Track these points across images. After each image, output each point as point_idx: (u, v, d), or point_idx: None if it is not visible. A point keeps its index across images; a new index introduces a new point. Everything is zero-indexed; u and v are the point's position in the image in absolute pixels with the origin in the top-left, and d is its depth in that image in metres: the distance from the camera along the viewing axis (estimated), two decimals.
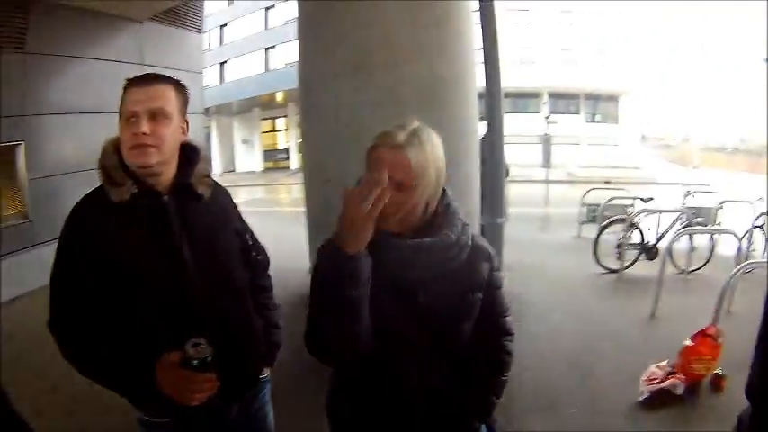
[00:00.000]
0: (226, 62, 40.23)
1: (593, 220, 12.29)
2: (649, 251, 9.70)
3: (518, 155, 23.92)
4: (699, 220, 9.96)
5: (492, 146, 7.08)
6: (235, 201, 2.49)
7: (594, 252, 9.47)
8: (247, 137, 42.11)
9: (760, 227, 9.76)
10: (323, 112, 5.19)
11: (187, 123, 2.20)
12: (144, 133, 2.01)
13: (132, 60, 10.11)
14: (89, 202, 2.10)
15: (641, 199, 10.74)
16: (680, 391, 4.82)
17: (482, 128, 6.82)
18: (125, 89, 2.08)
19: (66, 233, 2.06)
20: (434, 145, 1.87)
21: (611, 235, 9.81)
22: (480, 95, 6.13)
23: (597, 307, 7.60)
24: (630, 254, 9.56)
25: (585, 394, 4.96)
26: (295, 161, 39.94)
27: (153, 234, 2.08)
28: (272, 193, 28.25)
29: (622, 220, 9.81)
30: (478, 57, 6.09)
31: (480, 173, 6.17)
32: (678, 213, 10.02)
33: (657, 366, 5.05)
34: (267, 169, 41.18)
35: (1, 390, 1.93)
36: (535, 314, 6.70)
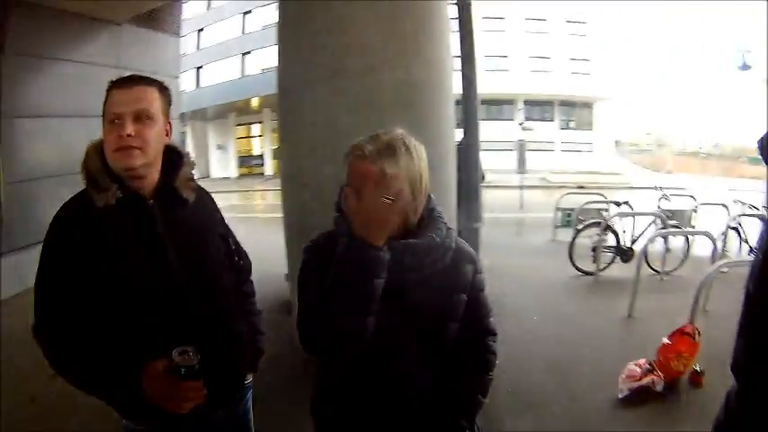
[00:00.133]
0: (202, 67, 40.03)
1: (567, 224, 12.43)
2: (625, 253, 9.86)
3: (493, 161, 24.04)
4: (673, 222, 10.10)
5: (468, 151, 7.12)
6: None
7: (570, 255, 9.59)
8: (222, 142, 41.91)
9: (735, 228, 9.91)
10: (301, 117, 5.18)
11: (170, 126, 2.18)
12: (129, 135, 1.99)
13: (109, 63, 9.99)
14: (73, 206, 2.06)
15: (616, 203, 10.87)
16: (659, 388, 4.90)
17: (458, 134, 6.87)
18: (108, 91, 2.06)
19: (50, 238, 2.02)
20: (412, 156, 1.91)
21: (587, 238, 9.98)
22: (457, 101, 6.16)
23: (574, 308, 7.69)
24: (606, 256, 9.72)
25: (565, 394, 5.02)
26: (270, 167, 39.84)
27: (139, 238, 2.06)
28: (247, 200, 28.14)
29: (597, 224, 9.96)
30: (455, 63, 6.13)
31: (456, 178, 6.20)
32: (653, 216, 10.16)
33: (636, 364, 5.12)
34: (242, 175, 41.00)
35: None
36: (513, 317, 6.73)
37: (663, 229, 9.34)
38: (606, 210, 11.75)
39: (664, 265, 9.14)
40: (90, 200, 2.02)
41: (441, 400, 2.08)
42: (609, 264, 9.70)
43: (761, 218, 10.01)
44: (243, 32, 39.17)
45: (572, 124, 43.71)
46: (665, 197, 11.96)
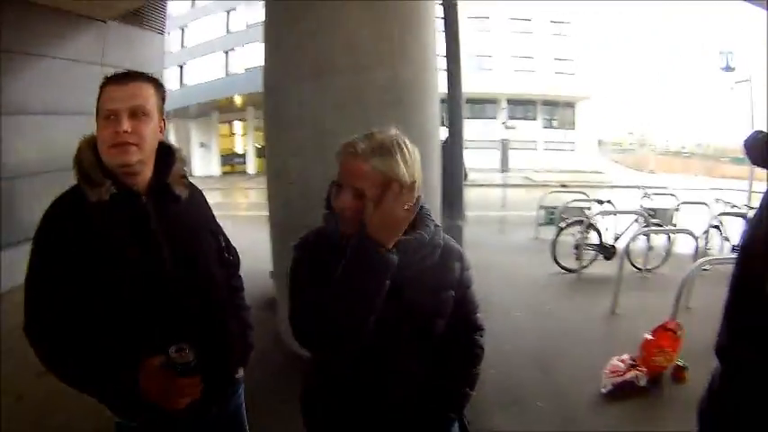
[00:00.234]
0: (185, 64, 39.82)
1: (550, 222, 12.49)
2: (607, 251, 9.92)
3: (476, 159, 24.12)
4: (656, 221, 10.19)
5: (452, 150, 7.15)
6: None
7: (553, 252, 9.66)
8: (205, 140, 41.71)
9: (717, 227, 10.02)
10: (287, 115, 5.18)
11: (164, 122, 2.17)
12: (125, 131, 1.97)
13: (94, 60, 9.88)
14: (65, 202, 2.04)
15: (599, 201, 10.95)
16: (642, 382, 4.96)
17: (442, 132, 6.90)
18: (102, 87, 2.05)
19: (41, 235, 2.00)
20: (406, 156, 1.92)
21: (569, 236, 10.05)
22: (441, 100, 6.20)
23: (557, 305, 7.75)
24: (588, 254, 9.79)
25: (550, 388, 5.08)
26: (252, 165, 39.71)
27: (133, 235, 2.04)
28: (229, 197, 28.04)
29: (580, 222, 10.02)
30: (440, 62, 6.16)
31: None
32: (635, 215, 10.25)
33: (619, 360, 5.19)
34: (225, 173, 40.84)
35: None
36: (497, 313, 6.76)
37: (645, 227, 9.41)
38: (589, 208, 11.84)
39: (646, 262, 9.26)
40: (82, 195, 2.00)
41: (430, 393, 2.11)
42: (591, 261, 9.76)
43: (742, 216, 10.13)
44: (227, 31, 38.99)
45: (555, 123, 43.96)
46: (647, 196, 12.06)
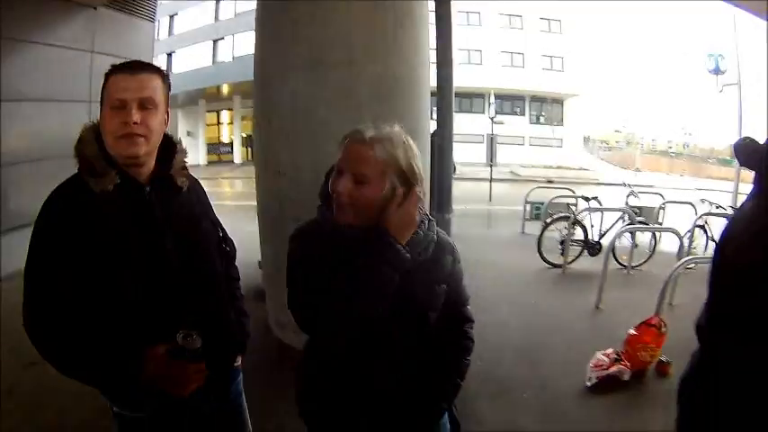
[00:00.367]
0: (173, 53, 39.52)
1: (536, 217, 12.66)
2: (592, 247, 10.06)
3: (463, 153, 24.18)
4: (641, 219, 10.29)
5: (441, 144, 7.19)
6: None
7: (539, 247, 9.76)
8: (192, 129, 41.43)
9: (702, 226, 10.12)
10: (278, 106, 5.17)
11: (168, 114, 2.16)
12: (135, 123, 1.96)
13: (84, 47, 9.75)
14: (67, 193, 2.01)
15: (585, 198, 11.03)
16: (626, 377, 5.05)
17: (432, 126, 6.93)
18: (109, 76, 2.02)
19: (43, 225, 1.97)
20: (405, 150, 1.97)
21: (555, 232, 10.14)
22: (431, 94, 6.22)
23: (543, 299, 7.83)
24: (574, 250, 9.88)
25: (535, 381, 5.14)
26: (239, 154, 39.53)
27: (136, 225, 2.04)
28: (216, 187, 27.92)
29: (566, 218, 10.11)
30: (432, 56, 6.18)
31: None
32: (621, 212, 10.34)
33: (604, 354, 5.26)
34: (211, 162, 40.60)
35: None
36: (483, 306, 6.73)
37: (630, 224, 9.49)
38: (575, 204, 11.94)
39: (631, 259, 9.34)
40: (83, 185, 1.99)
41: (422, 383, 2.15)
42: (577, 257, 9.87)
43: (727, 217, 10.24)
44: (216, 19, 38.74)
45: (542, 119, 44.02)
46: (633, 194, 12.15)
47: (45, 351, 1.96)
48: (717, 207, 11.21)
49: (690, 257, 6.78)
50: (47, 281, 1.93)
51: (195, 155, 40.45)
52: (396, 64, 5.10)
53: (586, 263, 9.68)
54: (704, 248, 10.54)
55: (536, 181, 22.86)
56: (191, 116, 40.88)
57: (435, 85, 6.80)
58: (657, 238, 9.96)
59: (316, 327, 2.01)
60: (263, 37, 5.43)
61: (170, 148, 2.21)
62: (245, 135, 38.83)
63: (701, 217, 10.22)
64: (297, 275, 2.04)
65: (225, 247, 2.51)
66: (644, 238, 10.02)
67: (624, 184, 13.21)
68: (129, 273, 1.99)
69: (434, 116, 7.20)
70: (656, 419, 4.26)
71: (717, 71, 25.92)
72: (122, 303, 2.00)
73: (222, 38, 37.59)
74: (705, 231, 10.49)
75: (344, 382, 2.11)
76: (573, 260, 9.71)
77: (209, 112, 41.28)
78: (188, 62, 38.51)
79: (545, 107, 44.01)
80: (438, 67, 6.70)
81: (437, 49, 6.67)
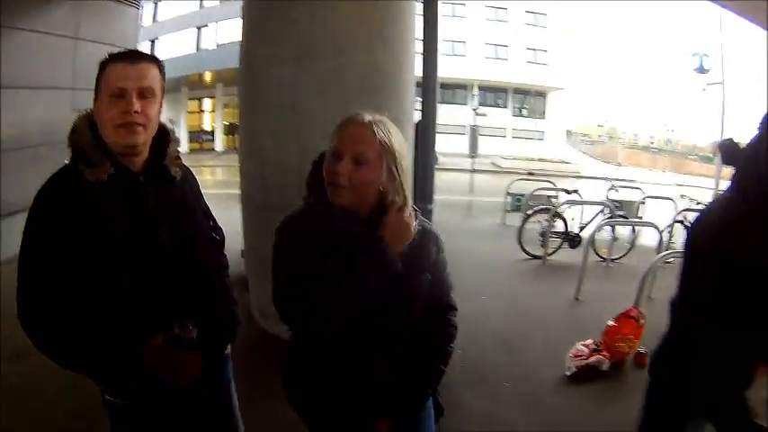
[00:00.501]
0: (156, 39, 39.09)
1: (517, 208, 12.71)
2: (572, 240, 10.17)
3: (445, 144, 24.17)
4: (621, 212, 10.39)
5: (425, 134, 7.21)
6: None
7: (519, 239, 9.85)
8: (173, 117, 41.05)
9: (681, 221, 10.24)
10: (264, 95, 5.17)
11: (162, 104, 2.14)
12: (136, 111, 1.96)
13: (67, 33, 9.54)
14: (61, 182, 2.01)
15: (566, 190, 11.11)
16: (605, 367, 5.16)
17: (416, 116, 6.95)
18: (106, 64, 2.00)
19: (37, 216, 1.96)
20: (398, 137, 2.04)
21: (536, 224, 10.24)
22: (416, 84, 6.24)
23: (523, 290, 7.94)
24: (554, 242, 9.98)
25: (515, 370, 5.25)
26: (220, 143, 39.27)
27: (130, 215, 2.04)
28: (197, 175, 27.49)
29: (547, 210, 10.19)
30: (418, 46, 6.19)
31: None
32: (601, 206, 10.43)
33: (583, 344, 5.37)
34: (192, 150, 40.29)
35: None
36: (463, 295, 6.81)
37: (610, 218, 9.58)
38: (555, 197, 12.03)
39: (610, 252, 9.46)
40: (78, 174, 1.98)
41: (407, 370, 2.20)
42: (557, 249, 9.96)
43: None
44: (200, 6, 38.37)
45: (525, 112, 44.12)
46: (613, 188, 12.26)
47: (39, 341, 1.96)
48: (697, 203, 11.36)
49: (669, 251, 6.88)
50: (41, 270, 1.93)
51: None
52: (383, 55, 5.12)
53: (566, 255, 9.78)
54: (683, 243, 10.60)
55: (517, 173, 22.97)
56: (173, 103, 40.42)
57: (420, 75, 6.82)
58: (637, 232, 10.07)
59: (301, 318, 2.04)
60: (250, 24, 5.43)
61: (164, 137, 2.20)
62: (227, 123, 38.54)
63: (680, 212, 10.34)
64: (283, 267, 2.07)
65: (215, 236, 2.53)
66: (624, 231, 10.13)
67: (605, 179, 13.31)
68: (124, 262, 2.00)
69: (418, 106, 7.22)
70: (633, 408, 4.34)
71: (701, 70, 26.17)
72: (117, 292, 2.00)
73: (206, 25, 37.23)
74: (684, 226, 10.59)
75: (331, 369, 2.14)
76: (553, 252, 9.82)
77: (191, 99, 40.86)
78: (171, 49, 38.10)
79: (528, 100, 44.10)
80: (423, 58, 6.72)
81: (423, 40, 6.68)
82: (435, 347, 2.30)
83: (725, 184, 2.45)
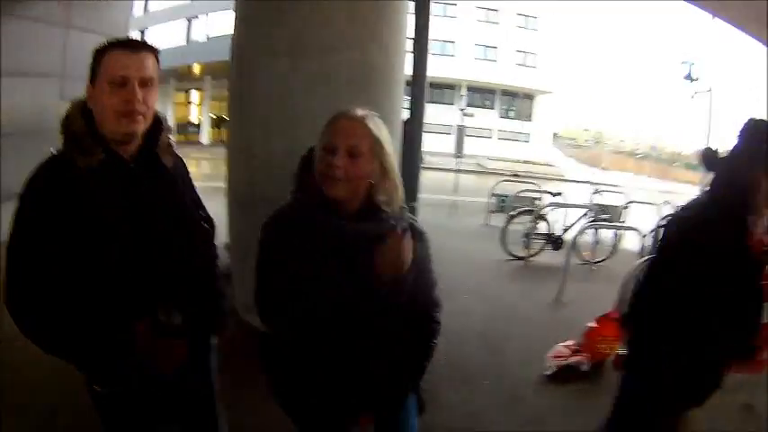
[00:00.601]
0: (146, 29, 38.77)
1: (501, 209, 12.76)
2: (555, 242, 10.20)
3: (431, 143, 24.27)
4: (605, 216, 10.46)
5: (412, 132, 7.23)
6: None
7: (502, 239, 9.89)
8: (161, 108, 40.56)
9: (664, 227, 10.32)
10: (255, 89, 5.16)
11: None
12: (138, 100, 1.98)
13: (59, 21, 9.28)
14: (52, 169, 2.00)
15: (550, 193, 11.19)
16: (585, 368, 5.20)
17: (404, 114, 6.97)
18: (105, 52, 2.00)
19: (27, 202, 1.96)
20: (386, 132, 2.09)
21: (519, 225, 10.27)
22: (405, 82, 6.26)
23: (505, 290, 8.00)
24: (537, 243, 10.03)
25: (496, 369, 5.29)
26: (206, 135, 39.07)
27: (121, 202, 2.03)
28: None
29: (530, 212, 10.27)
30: (408, 45, 6.21)
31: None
32: (585, 209, 10.50)
33: (564, 345, 5.43)
34: (178, 142, 39.72)
35: None
36: (445, 294, 6.87)
37: (594, 221, 9.65)
38: (540, 199, 12.10)
39: (593, 255, 9.55)
40: (69, 161, 1.98)
41: (390, 365, 2.22)
42: (539, 251, 10.02)
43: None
44: None
45: (512, 114, 44.24)
46: (597, 192, 12.33)
47: (26, 327, 1.96)
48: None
49: (651, 256, 6.96)
50: (30, 256, 1.93)
51: None
52: (374, 52, 5.13)
53: (549, 257, 9.83)
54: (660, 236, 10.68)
55: (502, 174, 23.02)
56: (160, 95, 39.30)
57: (409, 74, 6.84)
58: (620, 236, 10.15)
59: (281, 317, 2.11)
60: (242, 17, 5.41)
61: (156, 125, 2.20)
62: (214, 116, 38.39)
63: (664, 218, 10.44)
64: (267, 264, 2.12)
65: (205, 226, 2.51)
66: (607, 235, 10.20)
67: (590, 182, 13.40)
68: (113, 248, 1.99)
69: (406, 105, 7.24)
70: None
71: (689, 78, 26.39)
72: (105, 279, 2.00)
73: (197, 17, 37.01)
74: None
75: (313, 364, 2.16)
76: (536, 253, 9.89)
77: (178, 91, 40.63)
78: (161, 40, 37.79)
79: (515, 102, 44.22)
80: (413, 57, 6.73)
81: (414, 39, 6.70)
82: (418, 343, 2.32)
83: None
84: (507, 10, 42.68)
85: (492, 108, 44.17)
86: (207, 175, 21.21)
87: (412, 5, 6.26)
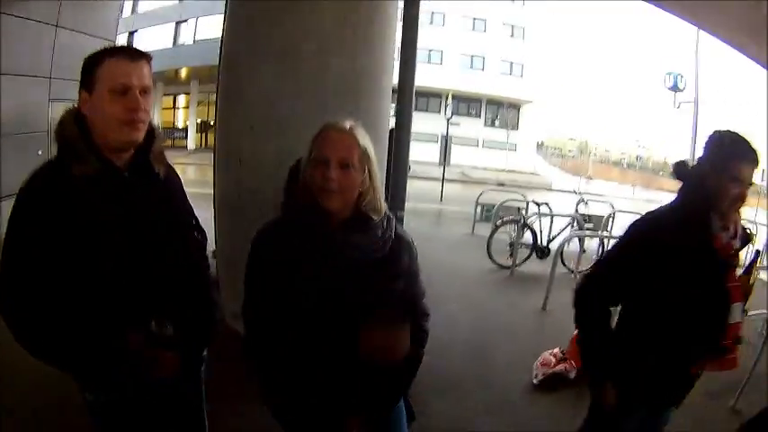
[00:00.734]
0: (135, 32, 38.56)
1: (486, 219, 12.81)
2: (541, 251, 10.25)
3: (417, 152, 24.38)
4: (590, 226, 10.51)
5: (399, 141, 7.23)
6: None
7: (488, 249, 9.96)
8: None
9: None
10: (243, 95, 5.14)
11: None
12: (143, 109, 1.99)
13: (48, 20, 9.24)
14: (46, 175, 1.99)
15: (535, 202, 11.22)
16: (572, 375, 5.20)
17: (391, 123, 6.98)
18: (102, 59, 2.00)
19: (24, 208, 1.95)
20: (369, 139, 2.11)
21: (504, 234, 10.34)
22: (392, 91, 6.27)
23: (491, 299, 8.06)
24: (522, 253, 10.08)
25: (483, 377, 5.31)
26: (192, 141, 38.91)
27: (115, 210, 2.03)
28: None
29: (516, 221, 10.28)
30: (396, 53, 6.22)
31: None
32: (570, 218, 10.55)
33: (551, 353, 5.46)
34: (165, 147, 39.70)
35: None
36: (431, 302, 6.86)
37: (579, 231, 9.69)
38: (525, 208, 12.15)
39: (579, 264, 9.58)
40: (64, 168, 1.97)
41: (378, 373, 2.21)
42: (525, 260, 10.08)
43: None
44: (180, 0, 37.97)
45: (498, 123, 44.39)
46: (583, 201, 12.39)
47: (19, 334, 1.96)
48: None
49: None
50: (24, 263, 1.93)
51: None
52: (363, 59, 5.15)
53: (534, 266, 9.89)
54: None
55: (487, 183, 23.11)
56: None
57: (397, 82, 6.86)
58: (605, 245, 10.19)
59: (267, 333, 2.14)
60: (233, 21, 5.41)
61: (149, 134, 2.18)
62: (200, 121, 38.29)
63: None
64: (255, 281, 2.15)
65: (197, 236, 2.50)
66: (592, 244, 10.25)
67: (575, 192, 13.46)
68: (106, 257, 1.99)
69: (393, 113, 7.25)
70: None
71: (675, 88, 26.62)
72: (98, 287, 2.00)
73: (185, 20, 36.86)
74: None
75: (301, 377, 2.16)
76: (521, 263, 9.93)
77: (165, 95, 40.47)
78: (149, 43, 37.61)
79: (501, 111, 44.38)
80: (401, 66, 6.75)
81: (402, 47, 6.72)
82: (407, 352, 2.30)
83: None
84: (494, 19, 42.90)
85: (478, 117, 44.32)
86: (192, 180, 21.11)
87: (401, 13, 6.26)
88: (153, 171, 2.19)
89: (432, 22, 40.10)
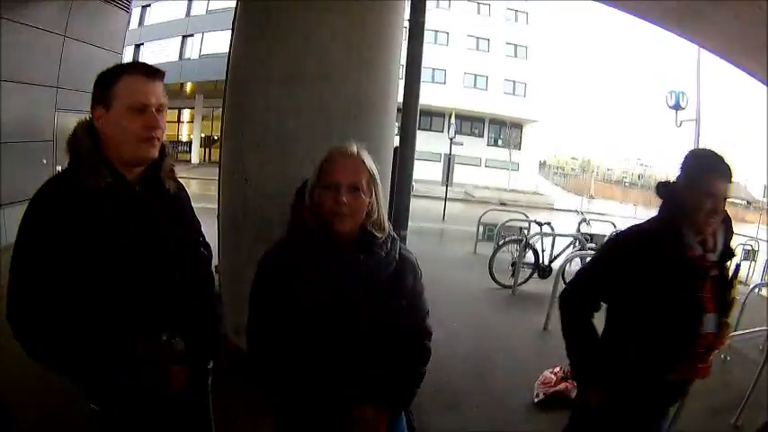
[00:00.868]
0: (141, 44, 38.66)
1: (489, 238, 12.80)
2: (543, 271, 10.27)
3: (420, 171, 24.40)
4: (592, 245, 10.51)
5: (403, 160, 7.26)
6: None
7: (490, 268, 9.96)
8: None
9: None
10: (249, 113, 5.16)
11: None
12: (160, 127, 2.06)
13: (57, 30, 9.41)
14: (59, 187, 2.02)
15: (538, 222, 11.24)
16: (573, 395, 5.16)
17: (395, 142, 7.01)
18: (119, 76, 2.05)
19: (36, 217, 1.98)
20: (372, 161, 2.17)
21: (507, 254, 10.37)
22: (397, 110, 6.30)
23: (493, 318, 8.07)
24: (524, 272, 10.10)
25: (484, 395, 5.33)
26: (196, 155, 38.93)
27: (125, 225, 2.06)
28: None
29: (518, 241, 10.32)
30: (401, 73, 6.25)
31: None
32: (572, 238, 10.57)
33: (552, 372, 5.47)
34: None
35: None
36: (433, 321, 6.85)
37: (581, 250, 9.71)
38: (527, 228, 12.17)
39: None
40: (74, 180, 2.01)
41: (381, 391, 2.26)
42: (527, 279, 10.11)
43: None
44: (187, 14, 38.07)
45: (500, 142, 44.36)
46: (585, 221, 12.41)
47: (27, 343, 1.98)
48: None
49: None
50: (34, 273, 1.95)
51: None
52: (368, 81, 5.18)
53: (536, 285, 9.93)
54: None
55: (490, 202, 23.10)
56: None
57: (401, 101, 6.89)
58: None
59: (271, 356, 2.19)
60: (240, 40, 5.43)
61: (160, 150, 2.22)
62: (204, 135, 38.32)
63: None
64: (260, 304, 2.20)
65: (204, 251, 2.55)
66: None
67: (577, 212, 13.47)
68: (115, 269, 2.02)
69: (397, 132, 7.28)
70: None
71: (677, 107, 26.65)
72: (108, 300, 2.02)
73: (192, 35, 36.97)
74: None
75: (306, 393, 2.20)
76: (523, 282, 9.95)
77: (170, 109, 40.25)
78: (155, 56, 37.67)
79: (504, 131, 44.34)
80: (405, 86, 6.79)
81: (406, 67, 6.75)
82: (409, 370, 2.36)
83: None
84: (498, 39, 43.00)
85: (481, 136, 44.31)
86: (196, 195, 20.93)
87: (405, 34, 6.30)
88: (163, 186, 2.24)
89: (436, 41, 40.19)
